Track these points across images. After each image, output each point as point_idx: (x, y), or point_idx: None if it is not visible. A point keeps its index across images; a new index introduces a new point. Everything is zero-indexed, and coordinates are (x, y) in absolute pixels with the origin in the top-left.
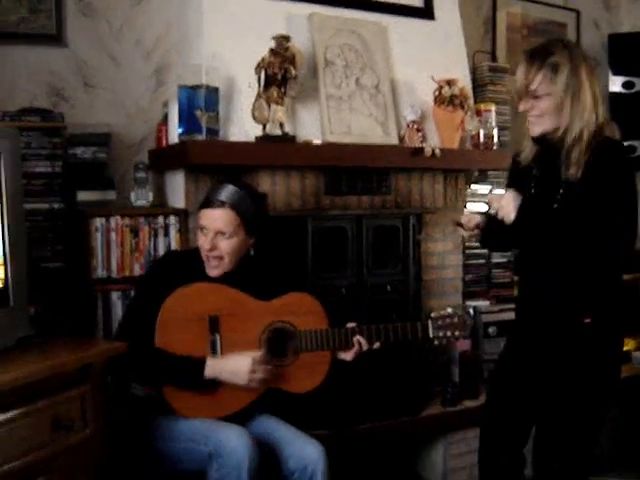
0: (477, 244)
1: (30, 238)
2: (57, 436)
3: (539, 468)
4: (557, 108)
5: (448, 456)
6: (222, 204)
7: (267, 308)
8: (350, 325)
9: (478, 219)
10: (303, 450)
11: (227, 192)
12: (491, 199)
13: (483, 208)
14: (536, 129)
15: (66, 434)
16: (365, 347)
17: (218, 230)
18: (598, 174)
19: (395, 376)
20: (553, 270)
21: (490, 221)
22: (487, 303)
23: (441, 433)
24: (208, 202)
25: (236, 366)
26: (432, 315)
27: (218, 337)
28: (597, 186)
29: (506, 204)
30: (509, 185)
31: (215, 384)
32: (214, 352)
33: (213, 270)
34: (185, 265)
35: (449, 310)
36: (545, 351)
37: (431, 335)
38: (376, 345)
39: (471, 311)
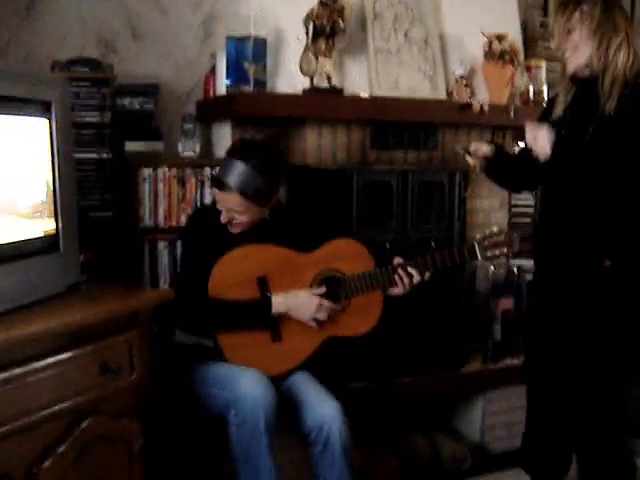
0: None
1: (79, 187)
2: (105, 380)
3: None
4: (590, 40)
5: (487, 413)
6: (230, 189)
7: (312, 259)
8: (396, 261)
9: (486, 149)
10: (320, 410)
11: (234, 174)
12: (528, 128)
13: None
14: (571, 65)
15: (113, 378)
16: (416, 279)
17: (231, 209)
18: (631, 111)
19: (437, 332)
20: (576, 211)
21: (498, 154)
22: (532, 262)
23: (481, 390)
24: (218, 183)
25: (301, 300)
26: (477, 236)
27: (270, 296)
28: (630, 123)
29: (541, 138)
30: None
31: (278, 333)
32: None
33: (233, 228)
34: (213, 219)
35: (494, 229)
36: (566, 301)
37: (479, 257)
38: (427, 276)
39: (515, 270)
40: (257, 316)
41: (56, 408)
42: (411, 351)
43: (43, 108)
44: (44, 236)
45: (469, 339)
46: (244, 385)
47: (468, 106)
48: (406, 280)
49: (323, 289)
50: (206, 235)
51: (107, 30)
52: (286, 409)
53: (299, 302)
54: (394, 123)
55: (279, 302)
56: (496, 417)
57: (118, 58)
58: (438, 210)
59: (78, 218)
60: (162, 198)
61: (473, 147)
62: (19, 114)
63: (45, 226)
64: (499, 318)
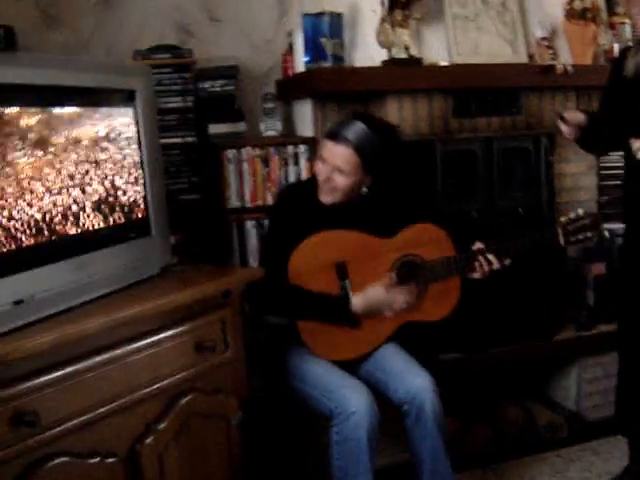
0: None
1: (167, 172)
2: (200, 357)
3: None
4: None
5: (582, 380)
6: (346, 141)
7: (391, 244)
8: (476, 246)
9: (581, 118)
10: (412, 382)
11: (354, 130)
12: (634, 146)
13: None
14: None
15: (209, 355)
16: (496, 266)
17: (337, 166)
18: None
19: (528, 300)
20: None
21: (593, 124)
22: (623, 225)
23: (575, 357)
24: (333, 135)
25: (379, 296)
26: (561, 219)
27: (348, 282)
28: None
29: None
30: (606, 98)
31: (357, 321)
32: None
33: (326, 196)
34: (302, 197)
35: (579, 211)
36: None
37: (562, 242)
38: (507, 262)
39: (606, 234)
40: (334, 314)
41: (155, 387)
42: (503, 320)
43: (128, 97)
44: (136, 220)
45: (562, 306)
46: (348, 401)
47: (551, 68)
48: (486, 267)
49: (393, 277)
50: (295, 211)
51: (184, 15)
52: (376, 381)
53: (375, 298)
54: (475, 90)
55: (357, 304)
56: (591, 385)
57: (197, 42)
58: (524, 176)
59: (167, 202)
60: (247, 178)
61: (568, 115)
62: (105, 105)
63: (136, 211)
64: (591, 284)
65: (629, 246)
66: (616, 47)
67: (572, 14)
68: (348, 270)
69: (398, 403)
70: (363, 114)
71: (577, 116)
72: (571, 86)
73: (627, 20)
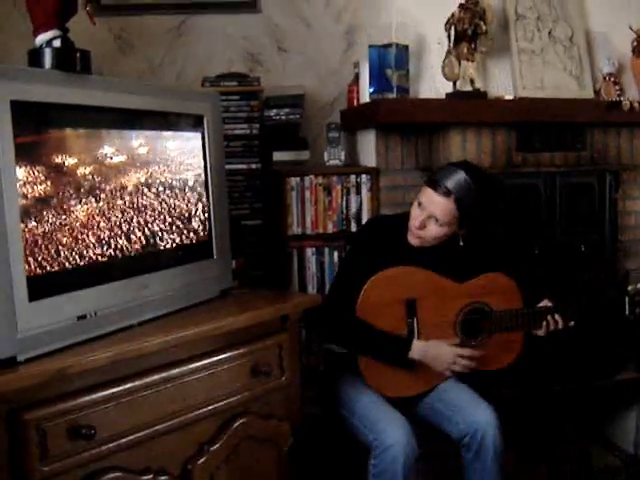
0: None
1: (231, 197)
2: (256, 381)
3: None
4: None
5: None
6: (447, 193)
7: (462, 290)
8: (545, 304)
9: None
10: (474, 414)
11: (457, 181)
12: None
13: None
14: None
15: (264, 379)
16: (561, 326)
17: (433, 215)
18: None
19: (590, 339)
20: None
21: None
22: None
23: (635, 399)
24: (435, 183)
25: (440, 353)
26: (629, 289)
27: (415, 320)
28: None
29: None
30: None
31: (413, 364)
32: (411, 335)
33: (414, 239)
34: (389, 231)
35: None
36: None
37: (627, 313)
38: (572, 324)
39: None
40: (394, 355)
41: (210, 408)
42: (564, 358)
43: (196, 122)
44: (199, 243)
45: (623, 347)
46: (386, 435)
47: (617, 104)
48: (552, 326)
49: (457, 341)
50: (378, 242)
51: (253, 45)
52: (436, 414)
53: (437, 352)
54: (540, 124)
55: (419, 348)
56: None
57: (264, 71)
58: (588, 213)
59: (230, 226)
60: (309, 206)
61: None
62: (175, 129)
63: (200, 233)
64: None
65: None
66: None
67: None
68: (418, 308)
69: (459, 436)
70: (466, 163)
71: None
72: (637, 123)
73: None
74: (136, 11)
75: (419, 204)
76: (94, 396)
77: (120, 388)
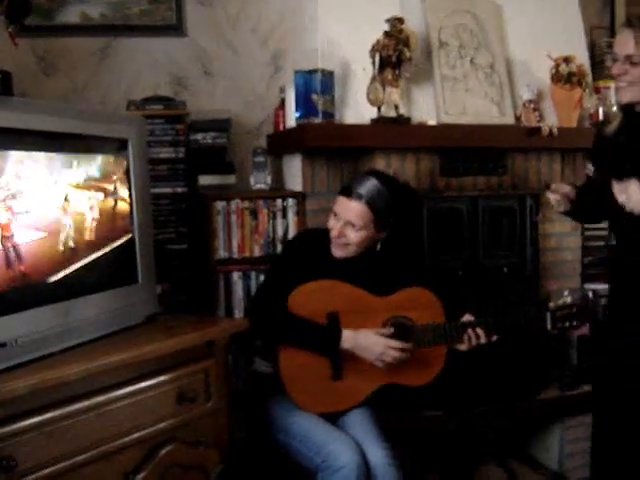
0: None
1: (156, 221)
2: (182, 408)
3: None
4: None
5: (565, 441)
6: (359, 197)
7: (385, 303)
8: (467, 318)
9: (567, 189)
10: (366, 453)
11: (368, 186)
12: (616, 191)
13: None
14: (626, 96)
15: (190, 406)
16: (483, 340)
17: (349, 221)
18: None
19: (512, 359)
20: None
21: (581, 194)
22: (607, 286)
23: (558, 417)
24: (347, 191)
25: (370, 343)
26: (550, 305)
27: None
28: None
29: (634, 194)
30: (591, 159)
31: (339, 374)
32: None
33: (338, 250)
34: (315, 244)
35: (568, 299)
36: None
37: (549, 327)
38: (494, 338)
39: (590, 294)
40: (325, 343)
41: (135, 436)
42: (486, 378)
43: (120, 146)
44: (123, 268)
45: (545, 366)
46: (337, 456)
47: (537, 130)
48: (474, 340)
49: (391, 330)
50: (304, 254)
51: (179, 69)
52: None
53: (368, 341)
54: (462, 149)
55: (349, 337)
56: (574, 445)
57: (190, 95)
58: (509, 235)
59: (155, 250)
60: (235, 230)
61: (554, 186)
62: (98, 152)
63: (124, 259)
64: (575, 344)
65: (612, 307)
66: (601, 110)
67: (558, 78)
68: (340, 321)
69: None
70: (376, 171)
71: (563, 187)
72: (556, 148)
73: (611, 84)
74: (61, 32)
75: (335, 214)
76: (14, 426)
77: (41, 417)
